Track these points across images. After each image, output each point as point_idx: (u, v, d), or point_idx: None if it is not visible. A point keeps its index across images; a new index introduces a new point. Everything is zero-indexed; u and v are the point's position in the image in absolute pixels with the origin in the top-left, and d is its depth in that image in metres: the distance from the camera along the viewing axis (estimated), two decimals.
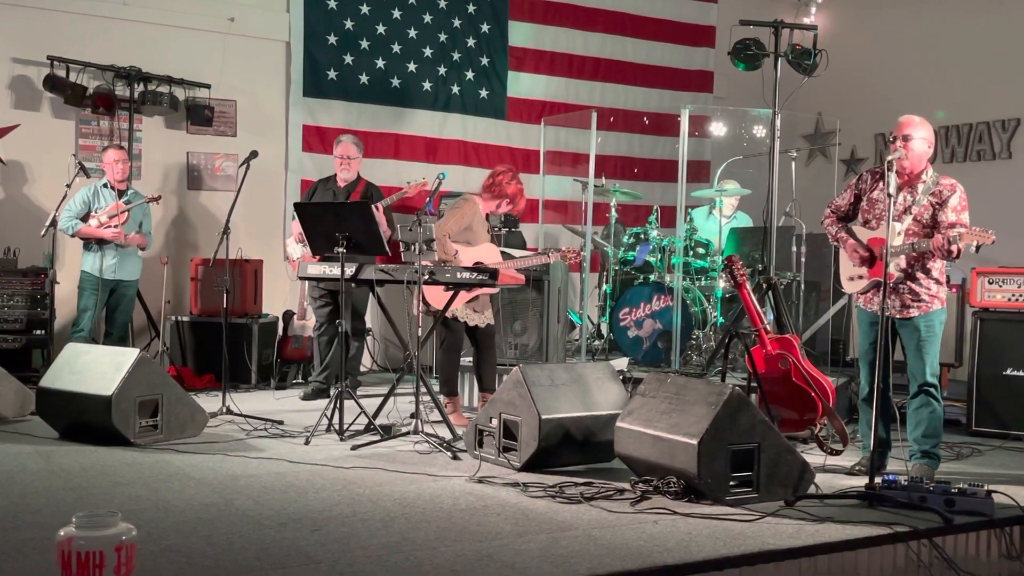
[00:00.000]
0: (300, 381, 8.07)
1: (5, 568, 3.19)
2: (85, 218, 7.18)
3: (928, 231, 4.85)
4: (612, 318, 7.67)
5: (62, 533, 2.65)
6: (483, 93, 9.84)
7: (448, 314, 6.05)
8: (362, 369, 8.89)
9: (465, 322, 6.22)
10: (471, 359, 6.52)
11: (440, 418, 5.79)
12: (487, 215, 6.47)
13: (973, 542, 4.04)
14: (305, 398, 7.20)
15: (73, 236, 7.21)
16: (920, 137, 4.87)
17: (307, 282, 7.38)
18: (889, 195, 4.52)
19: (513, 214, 7.04)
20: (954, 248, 4.67)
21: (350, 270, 5.73)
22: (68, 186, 7.19)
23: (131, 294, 7.40)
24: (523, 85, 10.06)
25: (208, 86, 8.40)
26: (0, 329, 7.23)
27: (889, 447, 5.10)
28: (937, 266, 4.91)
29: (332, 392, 6.82)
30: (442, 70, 9.59)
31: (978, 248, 4.66)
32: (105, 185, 7.30)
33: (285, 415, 6.30)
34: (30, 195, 7.96)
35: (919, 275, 4.89)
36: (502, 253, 6.50)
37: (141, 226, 7.30)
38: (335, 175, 7.32)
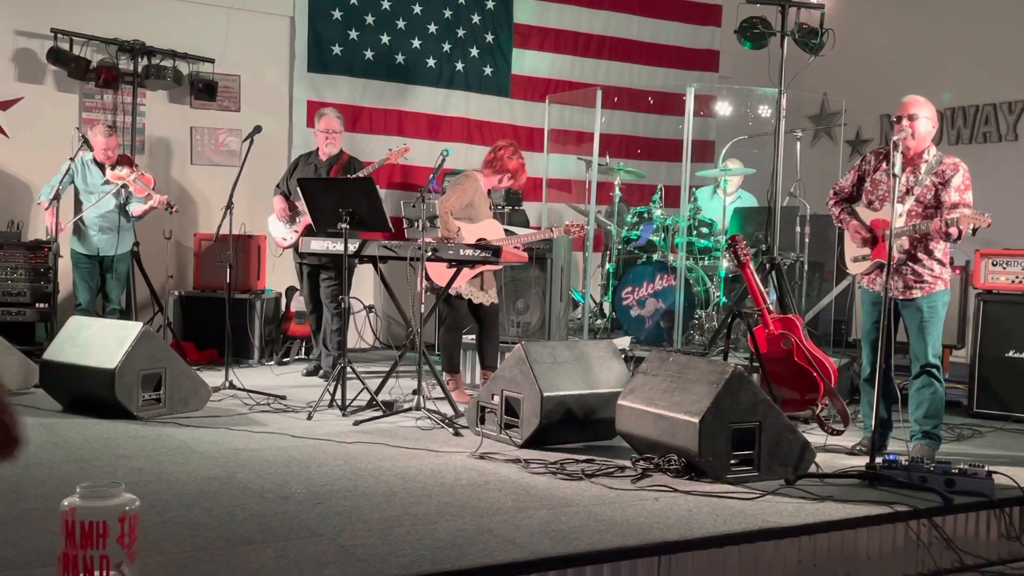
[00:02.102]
0: (302, 357, 8.09)
1: (10, 537, 3.21)
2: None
3: (931, 211, 4.84)
4: (615, 297, 7.67)
5: (66, 503, 2.66)
6: (487, 70, 9.80)
7: (451, 291, 6.05)
8: (364, 346, 8.92)
9: (469, 299, 6.22)
10: (474, 337, 6.52)
11: (442, 395, 5.80)
12: (489, 191, 6.46)
13: (973, 522, 4.05)
14: (307, 374, 7.24)
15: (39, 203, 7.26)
16: (925, 116, 4.85)
17: (293, 262, 7.32)
18: (895, 175, 4.50)
19: (515, 189, 7.00)
20: (952, 231, 4.66)
21: (353, 246, 5.73)
22: (72, 159, 7.17)
23: (121, 268, 7.25)
24: (527, 62, 10.02)
25: (212, 61, 8.38)
26: (4, 302, 7.23)
27: (890, 427, 5.11)
28: (940, 247, 4.90)
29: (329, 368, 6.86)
30: (446, 47, 9.55)
31: (975, 231, 4.66)
32: (93, 160, 7.17)
33: (287, 390, 6.31)
34: (33, 169, 7.94)
35: (922, 256, 4.88)
36: (505, 230, 6.49)
37: (127, 201, 7.19)
38: (316, 149, 7.20)
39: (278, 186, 7.25)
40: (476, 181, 6.27)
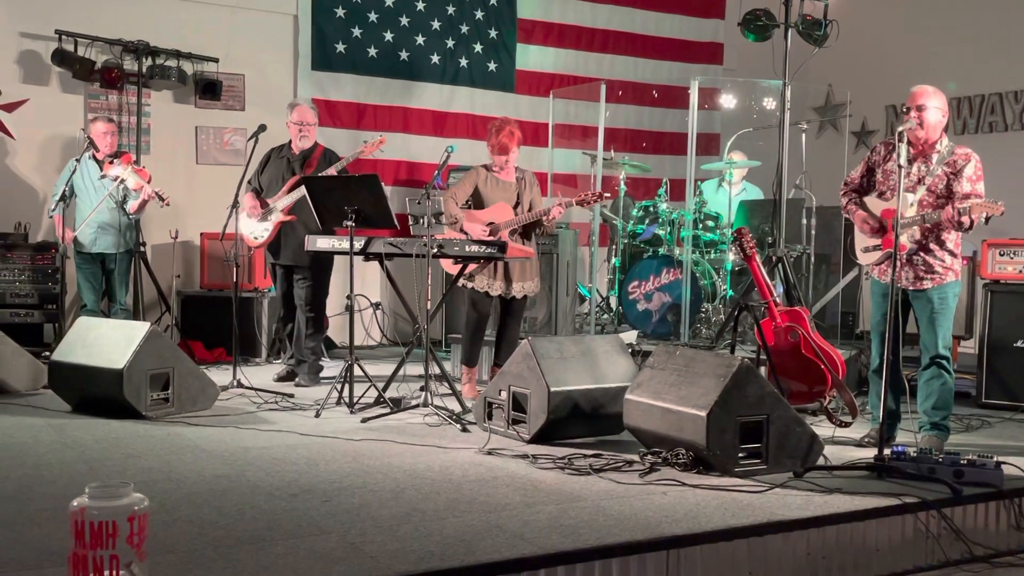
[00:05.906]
0: None
1: (20, 537, 3.22)
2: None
3: (942, 201, 4.81)
4: (621, 291, 7.66)
5: (75, 503, 2.67)
6: (491, 66, 9.79)
7: (470, 285, 6.04)
8: (371, 343, 8.92)
9: (500, 295, 6.15)
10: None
11: (450, 391, 5.80)
12: (519, 178, 6.28)
13: (982, 513, 4.04)
14: (279, 379, 6.84)
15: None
16: (934, 107, 4.83)
17: (266, 263, 7.12)
18: (900, 166, 4.49)
19: (499, 153, 6.45)
20: (964, 220, 4.64)
21: (359, 244, 5.75)
22: (77, 160, 7.18)
23: (122, 267, 7.21)
24: (532, 57, 10.01)
25: (216, 60, 8.39)
26: (12, 304, 7.27)
27: (898, 419, 5.10)
28: (952, 238, 4.87)
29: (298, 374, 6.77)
30: (450, 43, 9.55)
31: (987, 219, 4.64)
32: (92, 158, 7.13)
33: (295, 388, 6.32)
34: (39, 170, 7.97)
35: (933, 246, 4.86)
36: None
37: (125, 199, 7.16)
38: (288, 143, 6.88)
39: (249, 182, 6.87)
40: (475, 174, 6.23)
